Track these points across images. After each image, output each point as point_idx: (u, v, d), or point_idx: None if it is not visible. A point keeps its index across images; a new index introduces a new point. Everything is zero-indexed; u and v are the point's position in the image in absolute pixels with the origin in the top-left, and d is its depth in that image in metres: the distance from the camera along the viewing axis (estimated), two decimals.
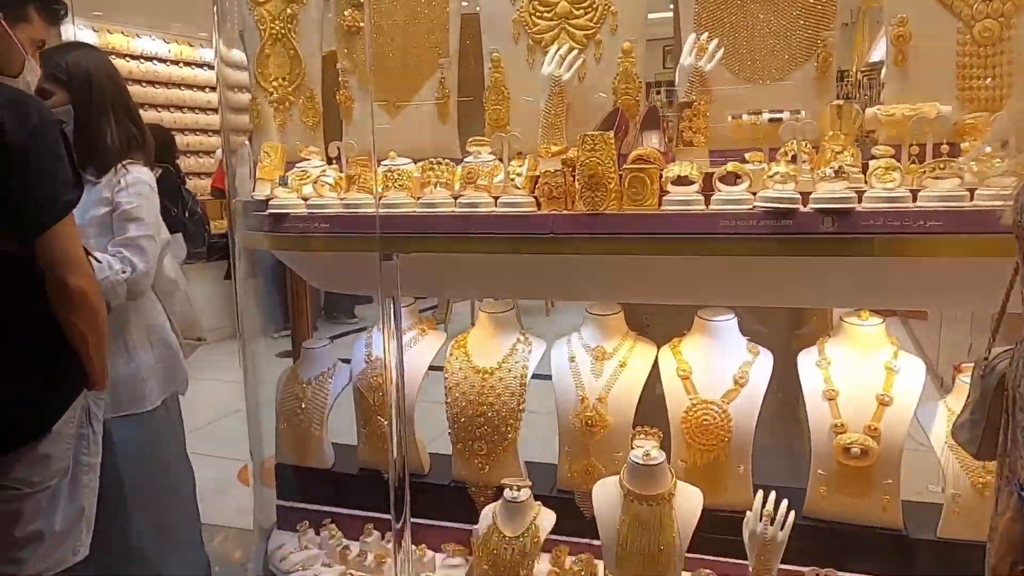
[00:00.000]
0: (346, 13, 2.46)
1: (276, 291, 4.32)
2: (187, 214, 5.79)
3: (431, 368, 2.63)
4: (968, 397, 1.43)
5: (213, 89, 9.43)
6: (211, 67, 9.43)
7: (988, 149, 1.76)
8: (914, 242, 1.63)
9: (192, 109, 9.17)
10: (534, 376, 2.48)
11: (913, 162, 1.81)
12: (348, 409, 2.75)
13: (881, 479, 2.10)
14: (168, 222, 5.54)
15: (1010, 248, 1.58)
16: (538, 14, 2.25)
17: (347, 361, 2.87)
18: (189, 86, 9.14)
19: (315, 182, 2.18)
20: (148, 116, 8.67)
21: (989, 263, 1.63)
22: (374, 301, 2.82)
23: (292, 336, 3.11)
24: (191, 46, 9.18)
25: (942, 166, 1.67)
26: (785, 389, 2.43)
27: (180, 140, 9.06)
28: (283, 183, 2.18)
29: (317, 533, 2.65)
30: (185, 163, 8.83)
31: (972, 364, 2.19)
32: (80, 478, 1.84)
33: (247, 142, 2.48)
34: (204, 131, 9.38)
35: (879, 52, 6.52)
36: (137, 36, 8.53)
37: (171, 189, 5.76)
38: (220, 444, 4.35)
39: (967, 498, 2.05)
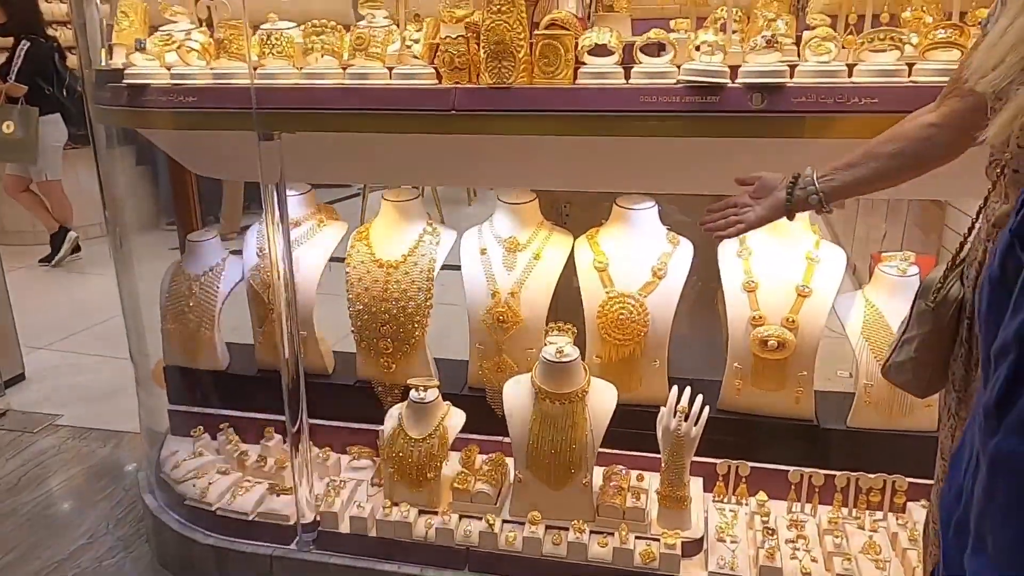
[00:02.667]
0: None
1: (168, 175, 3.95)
2: (64, 92, 5.20)
3: (334, 259, 2.43)
4: (909, 331, 1.27)
5: None
6: None
7: (931, 20, 1.61)
8: (849, 121, 1.49)
9: None
10: (447, 267, 2.31)
11: (851, 33, 1.64)
12: (243, 307, 2.53)
13: (796, 371, 2.06)
14: (41, 102, 5.00)
15: None
16: None
17: (239, 254, 2.63)
18: None
19: (179, 47, 1.86)
20: None
21: None
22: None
23: (177, 225, 2.81)
24: None
25: (881, 36, 1.51)
26: (704, 279, 2.34)
27: (61, 9, 8.12)
28: (140, 47, 1.86)
29: (214, 438, 2.48)
30: (66, 36, 7.94)
31: (892, 254, 2.14)
32: None
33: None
34: None
35: None
36: None
37: (41, 64, 5.14)
38: (114, 344, 4.07)
39: (879, 388, 2.03)
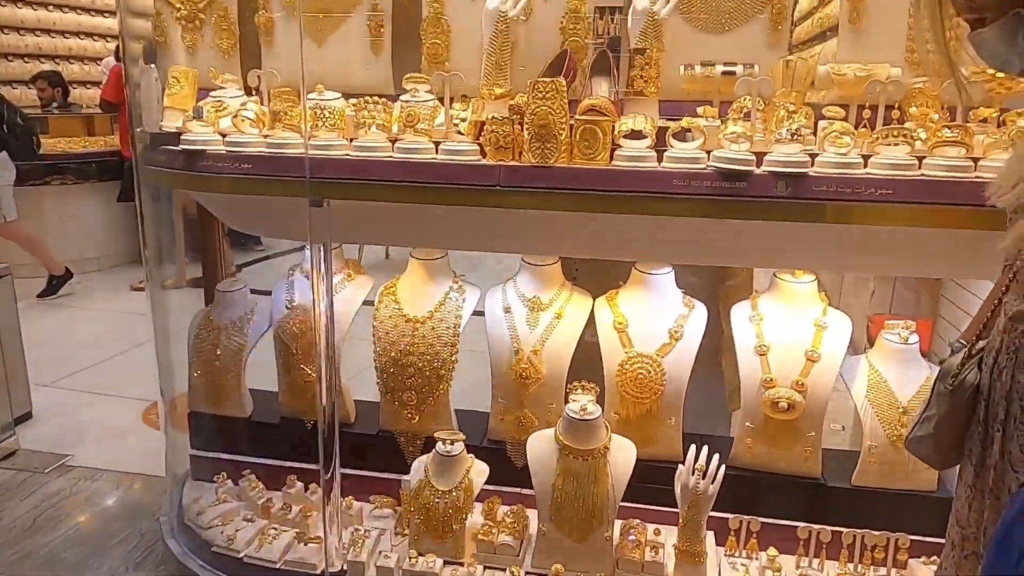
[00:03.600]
0: None
1: (184, 216, 4.02)
2: (5, 128, 5.20)
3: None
4: (929, 409, 1.37)
5: None
6: None
7: (936, 117, 1.77)
8: (865, 209, 1.63)
9: (75, 9, 8.29)
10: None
11: (863, 125, 1.80)
12: (265, 355, 2.61)
13: (805, 431, 2.17)
14: None
15: (957, 218, 1.60)
16: None
17: (257, 292, 2.72)
18: None
19: (235, 116, 1.98)
20: (25, 15, 7.81)
21: (935, 233, 1.66)
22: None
23: (203, 271, 2.90)
24: None
25: (895, 133, 1.66)
26: (709, 336, 2.46)
27: (62, 44, 8.24)
28: (198, 115, 1.97)
29: (235, 484, 2.54)
30: (68, 70, 8.05)
31: (894, 322, 2.28)
32: None
33: (153, 66, 2.22)
34: (89, 34, 8.53)
35: None
36: None
37: None
38: (119, 381, 4.11)
39: (882, 450, 2.15)
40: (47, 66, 7.66)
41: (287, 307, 2.53)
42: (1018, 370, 1.22)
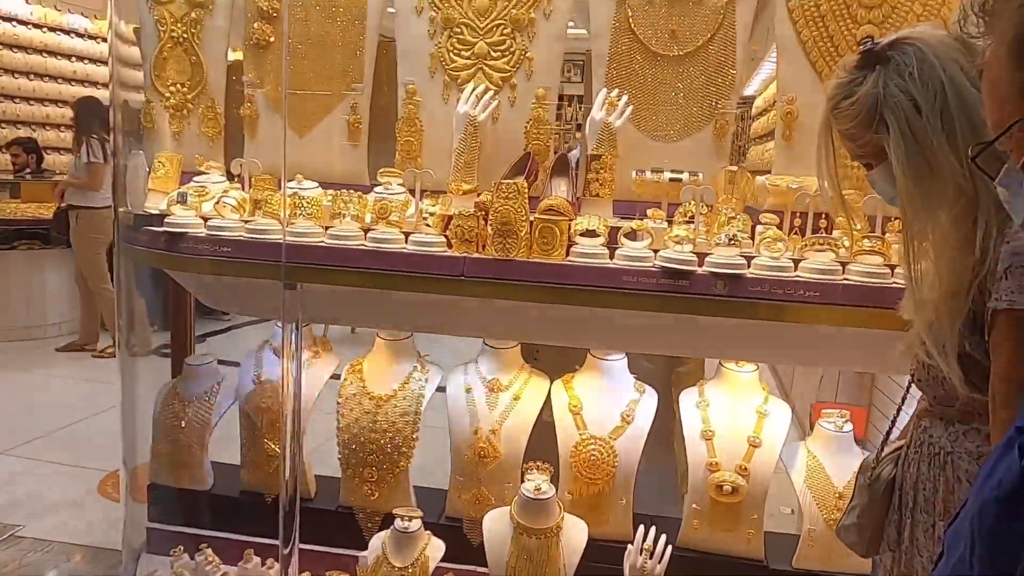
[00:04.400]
0: (255, 26, 2.39)
1: (152, 286, 4.08)
2: None
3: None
4: (853, 500, 1.51)
5: (80, 59, 8.76)
6: (79, 35, 8.76)
7: (860, 227, 1.96)
8: (795, 309, 1.80)
9: (55, 79, 8.46)
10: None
11: (795, 231, 1.99)
12: (228, 428, 2.67)
13: (748, 514, 2.28)
14: None
15: (876, 319, 1.77)
16: (456, 51, 2.28)
17: (224, 363, 2.79)
18: (52, 53, 8.42)
19: (217, 202, 2.11)
20: (5, 82, 7.94)
21: (860, 332, 1.82)
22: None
23: (172, 342, 2.97)
24: (57, 10, 8.47)
25: (821, 241, 1.85)
26: (661, 419, 2.58)
27: (40, 112, 8.37)
28: (182, 199, 2.09)
29: (192, 558, 2.55)
30: (43, 136, 8.15)
31: (830, 411, 2.44)
32: None
33: (141, 151, 2.35)
34: (67, 102, 8.67)
35: (751, 88, 7.10)
36: None
37: None
38: (76, 451, 4.08)
39: (821, 533, 2.27)
40: (23, 132, 7.76)
41: (254, 382, 2.60)
42: (923, 462, 1.36)
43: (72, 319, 6.50)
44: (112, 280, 2.58)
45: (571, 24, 2.35)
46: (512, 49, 2.24)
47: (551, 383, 2.49)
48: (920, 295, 1.25)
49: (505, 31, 2.23)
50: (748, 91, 7.06)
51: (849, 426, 2.38)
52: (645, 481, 2.58)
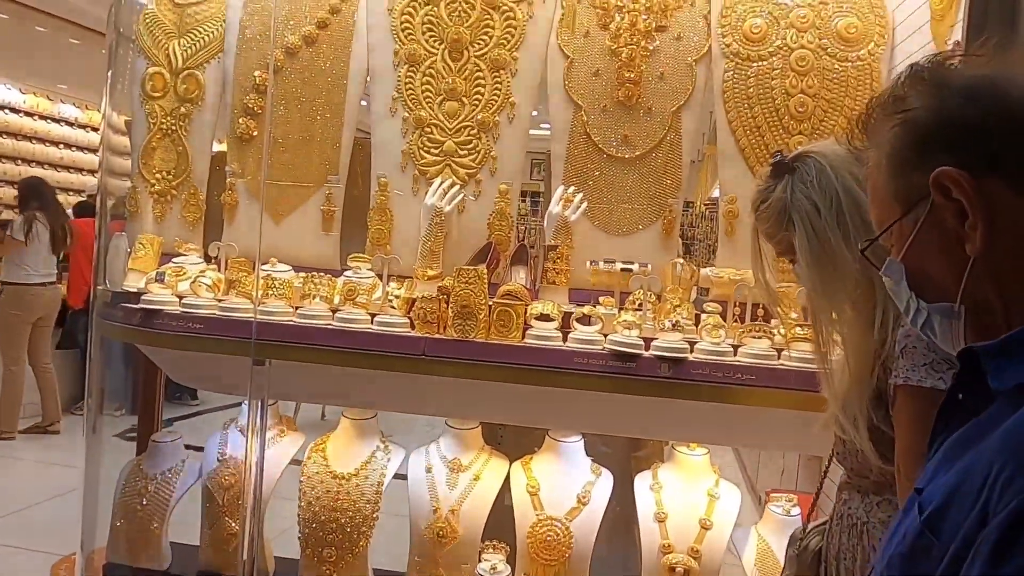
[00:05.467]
0: (240, 121, 2.56)
1: (123, 366, 4.10)
2: None
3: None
4: (784, 571, 1.61)
5: (68, 146, 9.01)
6: (69, 124, 9.04)
7: (794, 316, 2.11)
8: (734, 391, 1.92)
9: (42, 164, 8.67)
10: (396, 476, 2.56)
11: (736, 319, 2.13)
12: (189, 508, 2.68)
13: None
14: None
15: (811, 402, 1.89)
16: (426, 148, 2.46)
17: (190, 447, 2.82)
18: (42, 140, 8.67)
19: (193, 282, 2.22)
20: None
21: (796, 414, 1.94)
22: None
23: (139, 421, 3.00)
24: (50, 100, 8.77)
25: (758, 329, 1.99)
26: (623, 505, 2.64)
27: (8, 193, 8.52)
28: (160, 279, 2.20)
29: None
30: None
31: (778, 495, 2.52)
32: None
33: (124, 233, 2.48)
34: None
35: (718, 190, 7.43)
36: None
37: None
38: (30, 533, 3.99)
39: None
40: (6, 216, 7.89)
41: (219, 459, 2.64)
42: (843, 533, 1.46)
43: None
44: (86, 356, 2.64)
45: (545, 126, 2.55)
46: (478, 148, 2.43)
47: (511, 464, 2.56)
48: (831, 377, 1.38)
49: (472, 132, 2.43)
50: (715, 193, 7.42)
51: (797, 510, 2.46)
52: (608, 567, 2.62)
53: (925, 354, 1.17)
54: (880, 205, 0.90)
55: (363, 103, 2.55)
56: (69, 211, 7.37)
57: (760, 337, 2.01)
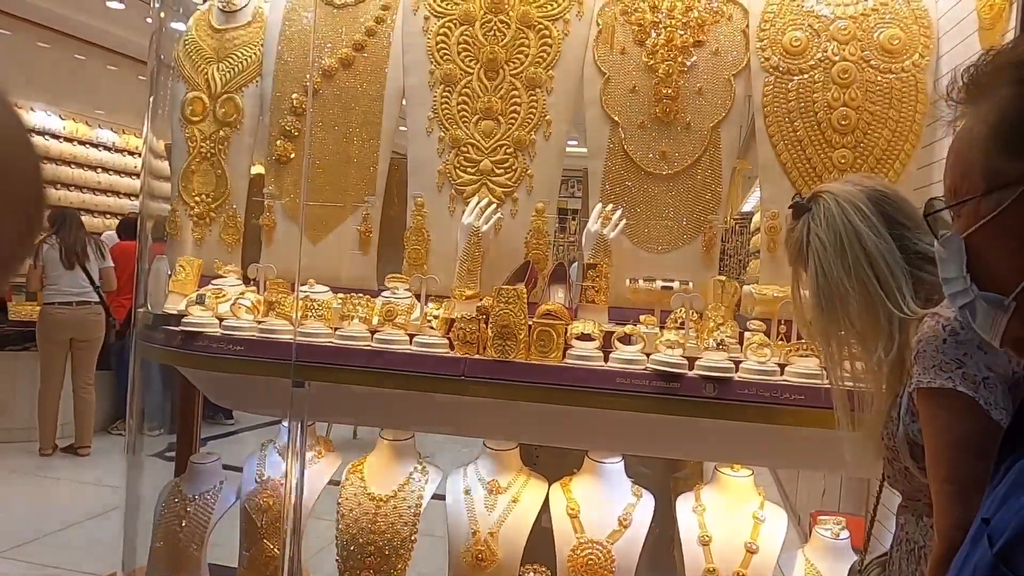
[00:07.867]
0: (278, 143, 2.59)
1: (160, 387, 4.14)
2: None
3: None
4: None
5: (105, 170, 9.19)
6: (107, 148, 9.23)
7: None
8: (782, 411, 1.87)
9: (81, 188, 8.85)
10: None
11: (781, 337, 2.08)
12: (227, 530, 2.67)
13: None
14: None
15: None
16: (462, 168, 2.46)
17: (228, 467, 2.82)
18: (80, 165, 8.85)
19: (233, 304, 2.23)
20: None
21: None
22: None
23: (177, 442, 3.02)
24: (88, 126, 8.96)
25: (805, 347, 1.94)
26: (663, 525, 2.59)
27: None
28: (200, 301, 2.22)
29: None
30: None
31: (826, 517, 2.45)
32: None
33: (165, 256, 2.50)
34: (89, 211, 9.03)
35: (749, 205, 7.37)
36: (31, 110, 8.26)
37: None
38: (71, 555, 4.03)
39: None
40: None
41: (257, 480, 2.64)
42: (903, 559, 1.41)
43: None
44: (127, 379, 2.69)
45: (574, 143, 2.54)
46: (514, 167, 2.42)
47: (549, 486, 2.53)
48: (859, 393, 1.38)
49: (508, 151, 2.42)
50: (746, 208, 7.35)
51: (846, 534, 2.38)
52: None
53: (934, 356, 1.20)
54: (960, 173, 0.80)
55: (401, 128, 2.56)
56: (110, 233, 7.51)
57: (807, 356, 1.95)
